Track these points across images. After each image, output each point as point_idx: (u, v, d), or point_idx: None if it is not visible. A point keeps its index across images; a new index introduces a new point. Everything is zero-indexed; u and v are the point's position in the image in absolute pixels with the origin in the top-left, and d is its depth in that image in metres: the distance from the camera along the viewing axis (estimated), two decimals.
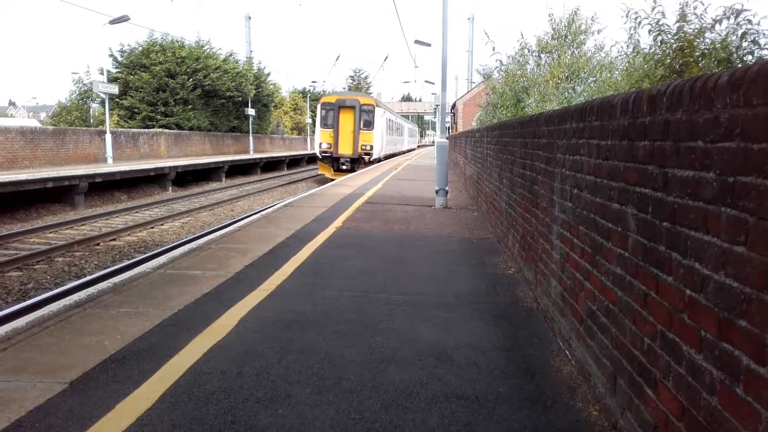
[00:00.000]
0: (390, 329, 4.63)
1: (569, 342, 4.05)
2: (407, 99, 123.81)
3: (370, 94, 64.02)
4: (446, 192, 12.90)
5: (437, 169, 13.18)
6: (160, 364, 3.78)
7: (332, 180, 24.38)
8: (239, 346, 4.15)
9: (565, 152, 4.37)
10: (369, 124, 31.49)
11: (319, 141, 31.34)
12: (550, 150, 4.91)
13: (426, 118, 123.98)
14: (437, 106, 19.10)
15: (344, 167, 30.52)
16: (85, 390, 3.40)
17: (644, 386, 2.62)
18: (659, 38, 8.79)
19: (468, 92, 49.39)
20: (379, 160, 34.06)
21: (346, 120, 31.20)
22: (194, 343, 4.17)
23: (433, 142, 26.71)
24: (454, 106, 49.66)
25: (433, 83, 60.82)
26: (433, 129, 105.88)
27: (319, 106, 32.07)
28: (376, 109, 32.13)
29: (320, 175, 33.09)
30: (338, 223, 10.03)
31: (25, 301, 9.04)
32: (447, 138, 15.83)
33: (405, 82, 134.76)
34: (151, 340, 4.23)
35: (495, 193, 9.16)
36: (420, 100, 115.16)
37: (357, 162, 30.79)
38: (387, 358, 4.03)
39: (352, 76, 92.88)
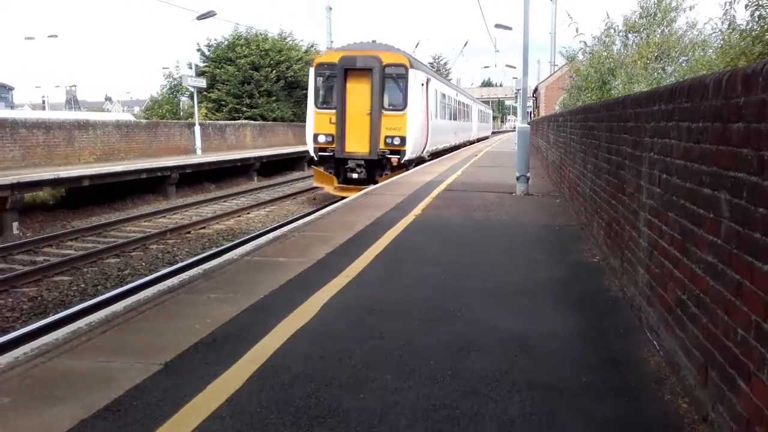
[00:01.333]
0: (469, 317, 4.62)
1: (657, 332, 3.91)
2: (487, 84, 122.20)
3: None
4: (527, 178, 12.68)
5: (518, 155, 12.96)
6: (248, 348, 3.93)
7: (341, 198, 15.02)
8: (322, 331, 4.25)
9: (653, 136, 4.21)
10: (399, 101, 18.75)
11: (313, 131, 18.84)
12: (638, 133, 4.74)
13: (507, 103, 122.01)
14: (518, 90, 18.75)
15: (355, 176, 18.52)
16: (178, 371, 3.58)
17: (737, 379, 2.50)
18: (757, 13, 8.30)
19: (550, 75, 48.18)
20: (421, 161, 21.43)
21: (358, 93, 18.46)
22: (279, 328, 4.31)
23: (514, 127, 25.62)
24: (535, 90, 48.59)
25: (514, 67, 58.56)
26: (515, 114, 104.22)
27: (312, 71, 19.26)
28: (411, 72, 18.79)
29: (316, 189, 20.79)
30: (417, 210, 10.06)
31: (122, 286, 9.58)
32: (528, 123, 15.52)
33: (485, 67, 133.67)
34: (239, 324, 4.40)
35: (578, 178, 8.92)
36: (501, 85, 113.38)
37: (377, 167, 18.57)
38: (467, 345, 4.02)
39: (431, 63, 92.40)
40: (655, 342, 3.96)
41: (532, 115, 43.50)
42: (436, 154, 25.17)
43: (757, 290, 2.35)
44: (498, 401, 3.21)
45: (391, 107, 18.60)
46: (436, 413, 3.08)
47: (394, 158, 18.45)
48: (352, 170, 18.53)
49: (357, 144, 18.47)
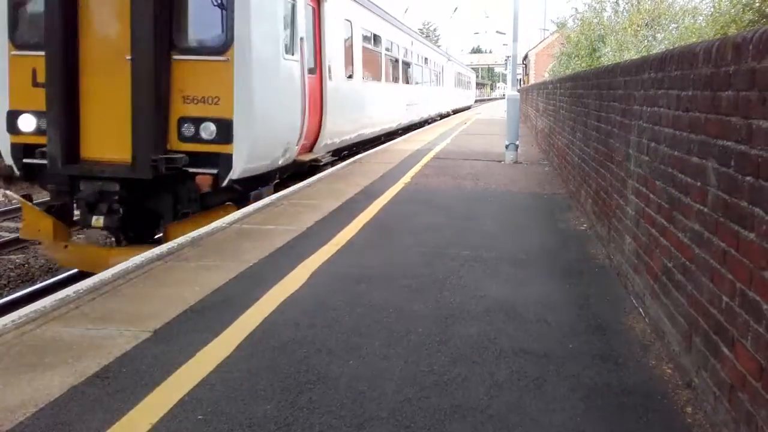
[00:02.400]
0: (458, 285, 4.65)
1: (643, 299, 3.96)
2: (477, 51, 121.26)
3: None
4: (516, 146, 12.67)
5: (508, 123, 12.94)
6: (237, 315, 3.94)
7: (74, 268, 8.00)
8: (311, 299, 4.27)
9: (642, 104, 4.20)
10: (215, 26, 7.38)
11: (7, 105, 7.57)
12: (627, 102, 4.73)
13: (497, 69, 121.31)
14: (508, 57, 18.57)
15: (98, 220, 7.19)
16: (167, 338, 3.59)
17: (721, 345, 2.54)
18: None
19: (541, 42, 47.89)
20: (299, 173, 10.03)
21: (103, 8, 7.16)
22: (268, 296, 4.31)
23: (503, 95, 25.27)
24: (525, 57, 48.30)
25: (504, 33, 57.99)
26: (504, 81, 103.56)
27: None
28: None
29: None
30: (406, 178, 10.04)
31: None
32: (518, 91, 15.46)
33: (475, 33, 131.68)
34: (227, 292, 4.40)
35: (567, 147, 8.93)
36: (490, 52, 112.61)
37: (159, 197, 7.59)
38: (455, 313, 4.05)
39: (421, 29, 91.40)
40: (640, 309, 4.01)
41: (522, 83, 43.31)
42: (358, 146, 14.06)
43: (742, 258, 2.38)
44: (486, 367, 3.25)
45: (195, 43, 7.78)
46: (424, 379, 3.11)
47: (204, 177, 7.53)
48: (92, 206, 7.44)
49: (105, 139, 7.54)
